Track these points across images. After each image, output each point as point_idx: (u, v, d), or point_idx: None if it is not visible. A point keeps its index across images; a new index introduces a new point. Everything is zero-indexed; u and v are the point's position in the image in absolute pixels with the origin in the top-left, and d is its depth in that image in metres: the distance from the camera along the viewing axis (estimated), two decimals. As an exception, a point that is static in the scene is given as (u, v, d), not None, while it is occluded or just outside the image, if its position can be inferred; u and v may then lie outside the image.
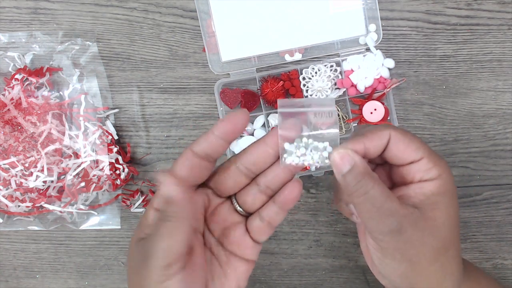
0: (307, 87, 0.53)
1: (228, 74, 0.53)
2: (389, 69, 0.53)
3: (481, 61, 0.54)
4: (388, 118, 0.53)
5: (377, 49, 0.52)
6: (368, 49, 0.53)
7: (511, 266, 0.55)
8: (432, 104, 0.54)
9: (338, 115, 0.53)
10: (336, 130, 0.31)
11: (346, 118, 0.54)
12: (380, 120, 0.52)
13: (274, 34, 0.52)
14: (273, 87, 0.52)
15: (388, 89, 0.52)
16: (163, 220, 0.30)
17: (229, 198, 0.35)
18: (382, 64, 0.52)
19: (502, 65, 0.54)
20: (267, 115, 0.54)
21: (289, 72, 0.53)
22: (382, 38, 0.53)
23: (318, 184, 0.55)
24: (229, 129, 0.31)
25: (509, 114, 0.54)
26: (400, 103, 0.54)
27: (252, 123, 0.54)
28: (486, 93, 0.54)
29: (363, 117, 0.53)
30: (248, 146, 0.33)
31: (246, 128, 0.54)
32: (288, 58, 0.53)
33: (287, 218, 0.55)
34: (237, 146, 0.53)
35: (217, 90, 0.53)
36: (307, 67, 0.52)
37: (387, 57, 0.53)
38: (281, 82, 0.52)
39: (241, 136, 0.53)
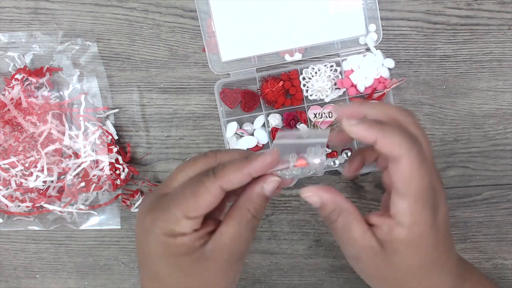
0: (307, 87, 0.53)
1: (228, 74, 0.53)
2: (389, 69, 0.53)
3: (481, 61, 0.54)
4: None
5: (377, 49, 0.52)
6: (368, 49, 0.53)
7: (511, 266, 0.55)
8: (432, 104, 0.54)
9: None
10: (320, 159, 0.33)
11: None
12: None
13: (274, 34, 0.52)
14: (273, 87, 0.52)
15: (388, 89, 0.52)
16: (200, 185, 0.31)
17: None
18: (382, 64, 0.52)
19: (502, 65, 0.54)
20: (267, 115, 0.54)
21: (289, 72, 0.53)
22: (382, 38, 0.53)
23: (318, 184, 0.55)
24: (261, 170, 0.32)
25: (509, 114, 0.54)
26: (400, 103, 0.54)
27: (252, 123, 0.54)
28: (486, 93, 0.54)
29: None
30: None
31: (246, 128, 0.54)
32: (288, 58, 0.53)
33: (287, 218, 0.55)
34: (237, 146, 0.53)
35: (217, 90, 0.53)
36: (307, 67, 0.52)
37: (387, 57, 0.53)
38: (281, 82, 0.52)
39: (241, 136, 0.53)
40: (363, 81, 0.52)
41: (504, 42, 0.53)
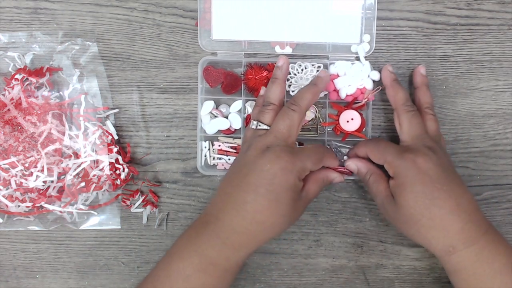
0: (291, 82, 0.53)
1: (216, 53, 0.53)
2: (374, 81, 0.52)
3: (481, 61, 0.54)
4: (364, 129, 0.53)
5: (366, 60, 0.52)
6: (357, 58, 0.53)
7: (511, 266, 0.55)
8: (432, 104, 0.54)
9: (315, 116, 0.53)
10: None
11: (322, 121, 0.53)
12: (356, 131, 0.52)
13: (270, 23, 0.53)
14: (257, 75, 0.52)
15: (366, 99, 0.52)
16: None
17: None
18: (368, 76, 0.52)
19: (502, 65, 0.54)
20: (246, 101, 0.53)
21: (275, 63, 0.53)
22: (382, 38, 0.53)
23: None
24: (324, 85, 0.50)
25: (509, 114, 0.54)
26: (400, 103, 0.54)
27: (229, 106, 0.54)
28: (486, 93, 0.54)
29: (339, 123, 0.53)
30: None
31: (222, 110, 0.54)
32: (278, 50, 0.53)
33: (287, 218, 0.55)
34: (209, 125, 0.53)
35: (201, 66, 0.53)
36: (295, 63, 0.52)
37: (377, 67, 0.53)
38: (266, 72, 0.52)
39: (215, 117, 0.53)
40: (346, 88, 0.52)
41: (504, 42, 0.53)
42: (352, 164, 0.50)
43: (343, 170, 0.51)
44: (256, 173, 0.44)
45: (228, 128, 0.53)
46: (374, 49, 0.52)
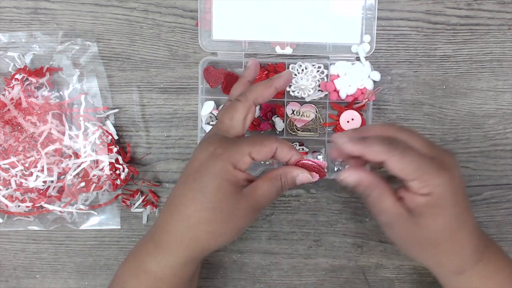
0: (291, 82, 0.52)
1: (216, 53, 0.53)
2: (374, 81, 0.52)
3: (481, 61, 0.54)
4: None
5: (366, 60, 0.52)
6: (358, 59, 0.53)
7: (511, 266, 0.55)
8: (432, 104, 0.54)
9: (315, 116, 0.53)
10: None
11: (323, 121, 0.53)
12: None
13: (270, 23, 0.53)
14: (257, 75, 0.52)
15: (366, 100, 0.52)
16: (280, 187, 0.41)
17: None
18: (369, 76, 0.52)
19: (502, 65, 0.54)
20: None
21: (276, 64, 0.53)
22: (382, 38, 0.53)
23: (318, 184, 0.55)
24: (283, 86, 0.44)
25: (509, 114, 0.54)
26: (400, 103, 0.54)
27: None
28: (486, 93, 0.54)
29: (339, 124, 0.53)
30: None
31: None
32: (278, 50, 0.53)
33: (287, 218, 0.55)
34: (209, 125, 0.53)
35: (201, 66, 0.53)
36: (295, 63, 0.52)
37: (377, 67, 0.53)
38: (266, 72, 0.52)
39: (216, 118, 0.53)
40: (346, 88, 0.52)
41: (504, 42, 0.53)
42: (352, 177, 0.41)
43: (312, 164, 0.42)
44: (188, 164, 0.41)
45: None
46: (374, 49, 0.52)
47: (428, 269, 0.43)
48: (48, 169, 0.52)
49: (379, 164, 0.39)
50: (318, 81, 0.53)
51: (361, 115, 0.53)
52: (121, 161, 0.53)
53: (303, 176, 0.41)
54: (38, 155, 0.52)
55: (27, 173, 0.52)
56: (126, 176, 0.54)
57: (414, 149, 0.39)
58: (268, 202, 0.41)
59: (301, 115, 0.53)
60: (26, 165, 0.52)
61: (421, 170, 0.38)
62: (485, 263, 0.42)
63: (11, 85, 0.52)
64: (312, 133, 0.54)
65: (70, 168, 0.53)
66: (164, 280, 0.41)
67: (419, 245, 0.41)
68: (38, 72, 0.53)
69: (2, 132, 0.52)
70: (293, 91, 0.53)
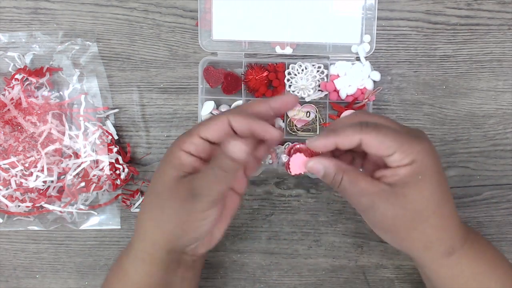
0: (291, 82, 0.53)
1: (216, 53, 0.53)
2: (374, 81, 0.53)
3: (481, 61, 0.54)
4: None
5: (366, 60, 0.52)
6: (358, 59, 0.53)
7: (511, 266, 0.55)
8: (432, 104, 0.54)
9: (315, 116, 0.53)
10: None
11: (323, 121, 0.53)
12: None
13: (270, 23, 0.53)
14: (257, 75, 0.52)
15: (366, 99, 0.52)
16: (220, 169, 0.36)
17: None
18: (369, 76, 0.52)
19: (502, 65, 0.54)
20: (246, 101, 0.53)
21: (276, 64, 0.53)
22: (382, 38, 0.53)
23: (318, 184, 0.55)
24: (281, 107, 0.40)
25: (509, 114, 0.54)
26: (400, 103, 0.54)
27: (230, 107, 0.54)
28: (486, 93, 0.54)
29: None
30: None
31: (222, 110, 0.54)
32: (278, 50, 0.53)
33: (287, 218, 0.55)
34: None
35: (201, 66, 0.53)
36: (295, 63, 0.53)
37: (377, 67, 0.53)
38: (266, 72, 0.52)
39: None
40: (346, 88, 0.52)
41: (504, 42, 0.53)
42: (317, 164, 0.38)
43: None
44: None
45: None
46: (374, 49, 0.53)
47: (413, 258, 0.41)
48: (48, 169, 0.52)
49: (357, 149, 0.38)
50: (318, 81, 0.53)
51: None
52: (121, 161, 0.53)
53: (234, 146, 0.35)
54: (38, 155, 0.52)
55: (27, 173, 0.52)
56: (126, 176, 0.54)
57: (386, 126, 0.38)
58: (209, 191, 0.37)
59: (300, 115, 0.53)
60: (26, 165, 0.52)
61: (399, 141, 0.36)
62: (470, 244, 0.40)
63: (11, 85, 0.52)
64: (312, 133, 0.54)
65: (70, 168, 0.53)
66: (136, 278, 0.41)
67: (407, 222, 0.38)
68: (38, 72, 0.53)
69: (2, 132, 0.52)
70: (293, 91, 0.53)
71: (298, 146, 0.41)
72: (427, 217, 0.38)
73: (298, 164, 0.41)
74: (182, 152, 0.38)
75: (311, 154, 0.41)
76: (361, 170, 0.42)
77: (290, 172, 0.41)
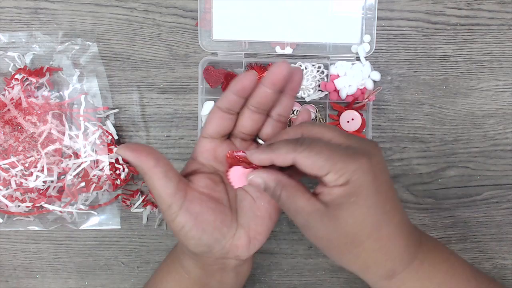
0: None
1: (216, 53, 0.53)
2: (374, 81, 0.53)
3: (481, 61, 0.54)
4: (364, 130, 0.53)
5: (366, 60, 0.52)
6: (358, 59, 0.53)
7: (511, 266, 0.55)
8: (432, 104, 0.54)
9: (315, 116, 0.53)
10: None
11: (323, 121, 0.53)
12: (356, 131, 0.52)
13: (270, 23, 0.53)
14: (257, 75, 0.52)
15: (366, 99, 0.52)
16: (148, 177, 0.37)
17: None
18: (369, 76, 0.52)
19: (502, 65, 0.54)
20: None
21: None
22: (382, 38, 0.53)
23: (318, 184, 0.55)
24: (240, 88, 0.38)
25: (509, 114, 0.54)
26: (400, 103, 0.54)
27: None
28: (486, 93, 0.54)
29: (339, 124, 0.53)
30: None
31: None
32: (278, 50, 0.53)
33: (287, 218, 0.55)
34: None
35: (201, 66, 0.53)
36: (295, 63, 0.53)
37: (377, 67, 0.53)
38: (266, 72, 0.52)
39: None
40: (346, 88, 0.52)
41: (504, 42, 0.53)
42: (257, 178, 0.37)
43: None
44: None
45: None
46: (374, 49, 0.53)
47: (356, 275, 0.39)
48: (48, 169, 0.52)
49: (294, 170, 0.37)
50: (318, 81, 0.53)
51: (361, 115, 0.53)
52: (121, 161, 0.53)
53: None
54: (38, 155, 0.52)
55: (27, 173, 0.52)
56: (126, 176, 0.54)
57: (323, 141, 0.35)
58: (157, 199, 0.37)
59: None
60: (26, 165, 0.52)
61: (332, 159, 0.34)
62: (420, 262, 0.38)
63: (11, 85, 0.52)
64: None
65: (70, 168, 0.53)
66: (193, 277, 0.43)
67: (340, 245, 0.36)
68: (38, 72, 0.53)
69: (2, 132, 0.52)
70: None
71: (238, 154, 0.38)
72: (361, 242, 0.35)
73: (238, 176, 0.38)
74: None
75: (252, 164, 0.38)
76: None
77: (233, 186, 0.39)
